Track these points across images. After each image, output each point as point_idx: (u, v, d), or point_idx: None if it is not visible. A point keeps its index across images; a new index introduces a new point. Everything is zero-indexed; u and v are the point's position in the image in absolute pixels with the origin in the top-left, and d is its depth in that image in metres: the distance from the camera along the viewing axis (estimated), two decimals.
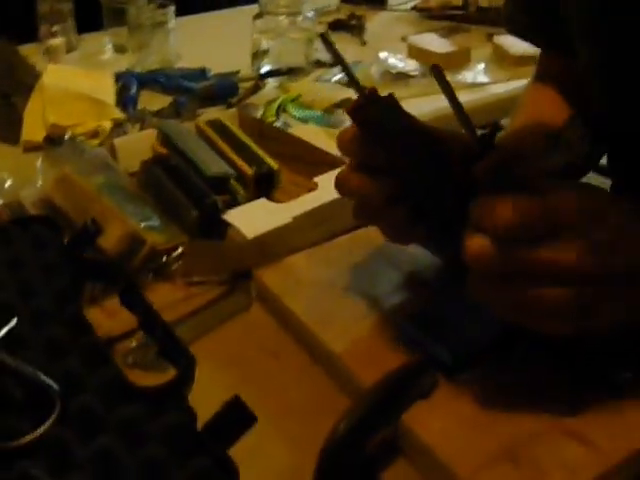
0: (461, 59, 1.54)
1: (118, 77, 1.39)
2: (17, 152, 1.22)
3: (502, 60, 1.57)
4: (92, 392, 0.61)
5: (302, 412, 0.69)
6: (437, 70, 0.62)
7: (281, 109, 1.33)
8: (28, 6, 1.61)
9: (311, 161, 1.02)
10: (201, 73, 1.46)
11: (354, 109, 0.69)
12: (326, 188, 0.90)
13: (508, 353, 0.69)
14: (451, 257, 0.73)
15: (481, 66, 1.54)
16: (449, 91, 0.62)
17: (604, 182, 0.95)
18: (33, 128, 1.25)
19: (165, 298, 0.80)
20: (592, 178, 0.97)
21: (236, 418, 0.55)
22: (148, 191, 0.93)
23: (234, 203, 0.91)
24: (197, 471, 0.53)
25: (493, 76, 1.50)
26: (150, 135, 1.03)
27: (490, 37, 1.67)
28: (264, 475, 0.62)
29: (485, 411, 0.64)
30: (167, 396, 0.60)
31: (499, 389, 0.66)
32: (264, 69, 1.48)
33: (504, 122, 1.20)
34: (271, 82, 1.45)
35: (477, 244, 0.57)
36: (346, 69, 0.69)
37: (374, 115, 0.67)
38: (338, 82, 1.46)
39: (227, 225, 0.85)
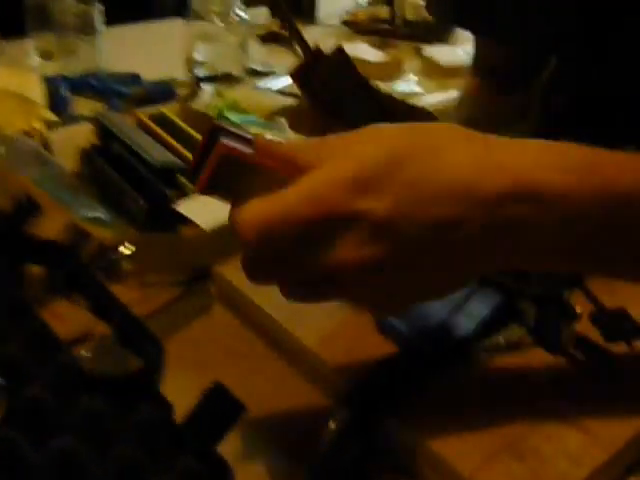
0: (394, 69, 1.48)
1: (47, 80, 1.26)
2: None
3: (432, 72, 1.52)
4: (43, 384, 0.49)
5: (279, 414, 0.60)
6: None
7: (220, 114, 1.23)
8: None
9: None
10: (134, 78, 1.35)
11: (299, 69, 0.58)
12: None
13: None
14: None
15: (413, 77, 1.48)
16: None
17: None
18: None
19: None
20: None
21: (220, 408, 0.45)
22: (91, 183, 0.82)
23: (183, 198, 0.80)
24: (182, 473, 0.42)
25: (425, 87, 1.44)
26: (86, 128, 0.92)
27: (418, 51, 1.62)
28: None
29: (479, 404, 0.57)
30: (135, 387, 0.49)
31: (490, 381, 0.59)
32: (199, 74, 1.39)
33: None
34: (207, 89, 1.35)
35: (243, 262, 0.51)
36: (292, 26, 0.59)
37: (322, 74, 0.58)
38: (275, 91, 1.39)
39: (179, 217, 0.75)
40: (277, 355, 0.65)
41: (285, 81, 1.43)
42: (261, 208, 0.48)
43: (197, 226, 0.73)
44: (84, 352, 0.59)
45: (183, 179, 0.86)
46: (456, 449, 0.52)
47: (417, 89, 1.43)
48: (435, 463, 0.52)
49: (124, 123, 0.89)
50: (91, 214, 0.77)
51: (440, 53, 1.56)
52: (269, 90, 1.39)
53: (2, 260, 0.65)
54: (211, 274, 0.72)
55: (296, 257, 0.49)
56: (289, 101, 1.32)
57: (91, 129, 0.91)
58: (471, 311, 0.62)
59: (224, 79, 1.35)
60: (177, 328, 0.69)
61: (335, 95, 0.59)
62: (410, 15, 1.72)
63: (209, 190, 0.50)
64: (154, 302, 0.71)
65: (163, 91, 1.28)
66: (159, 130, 0.90)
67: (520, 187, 0.48)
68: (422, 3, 1.73)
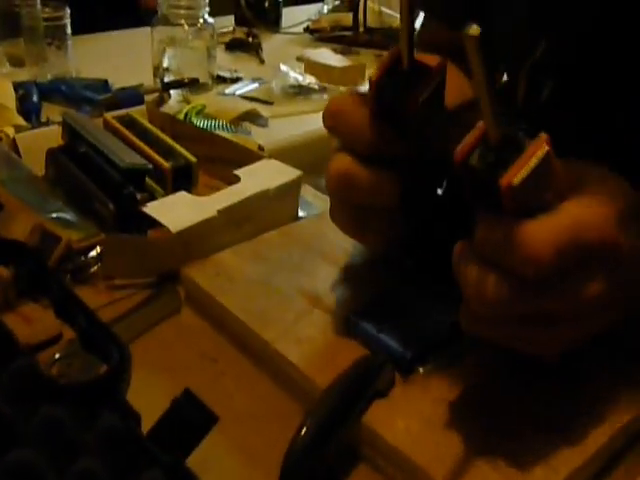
0: (357, 74, 1.46)
1: (18, 86, 1.21)
2: None
3: None
4: None
5: (249, 418, 0.56)
6: None
7: (187, 119, 1.19)
8: None
9: (228, 159, 0.89)
10: (104, 85, 1.30)
11: (382, 75, 0.46)
12: (249, 180, 0.78)
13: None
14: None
15: None
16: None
17: None
18: None
19: (87, 303, 0.65)
20: None
21: (190, 418, 0.40)
22: (58, 185, 0.77)
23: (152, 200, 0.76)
24: None
25: None
26: (55, 131, 0.87)
27: (379, 57, 1.59)
28: None
29: (449, 408, 0.53)
30: (99, 395, 0.44)
31: (460, 383, 0.55)
32: (167, 80, 1.34)
33: None
34: (175, 95, 1.31)
35: (491, 285, 0.41)
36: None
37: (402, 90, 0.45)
38: (240, 96, 1.36)
39: (147, 219, 0.71)
40: (246, 358, 0.62)
41: (250, 87, 1.40)
42: (554, 230, 0.40)
43: (165, 228, 0.69)
44: (55, 370, 0.55)
45: (151, 181, 0.82)
46: (430, 455, 0.49)
47: None
48: (409, 469, 0.49)
49: (91, 124, 0.85)
50: (58, 216, 0.72)
51: None
52: (235, 96, 1.36)
53: None
54: (179, 276, 0.68)
55: (558, 287, 0.42)
56: (254, 105, 1.29)
57: (58, 131, 0.87)
58: (442, 313, 0.59)
59: (191, 85, 1.31)
60: (146, 331, 0.65)
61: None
62: (372, 22, 1.69)
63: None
64: (122, 305, 0.67)
65: (132, 97, 1.24)
66: (126, 132, 0.85)
67: None
68: (383, 11, 1.70)
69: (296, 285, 0.66)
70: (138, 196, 0.73)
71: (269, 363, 0.59)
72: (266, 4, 1.80)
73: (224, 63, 1.52)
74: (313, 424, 0.48)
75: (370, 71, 0.47)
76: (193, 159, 0.83)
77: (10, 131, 1.02)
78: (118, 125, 0.87)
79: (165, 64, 1.38)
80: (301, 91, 1.36)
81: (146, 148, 0.82)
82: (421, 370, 0.56)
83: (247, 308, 0.63)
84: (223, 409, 0.57)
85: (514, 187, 0.38)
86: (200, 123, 1.19)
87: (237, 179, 0.78)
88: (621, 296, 0.46)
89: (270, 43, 1.71)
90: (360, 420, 0.51)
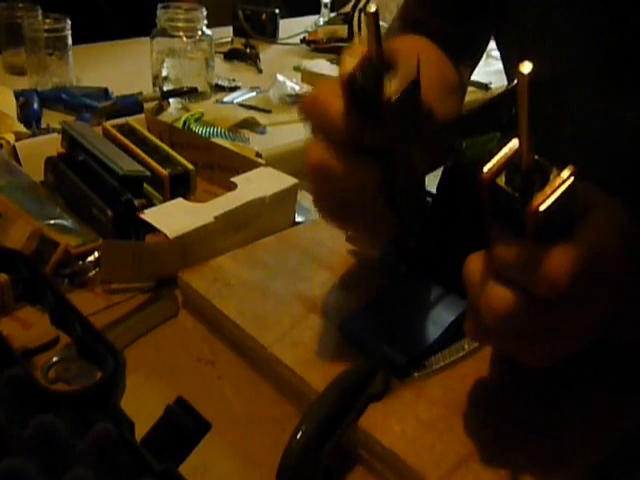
0: None
1: (19, 95, 1.20)
2: None
3: None
4: None
5: (246, 422, 0.55)
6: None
7: (186, 127, 1.18)
8: None
9: (225, 166, 0.88)
10: (104, 93, 1.29)
11: (360, 69, 0.45)
12: (246, 187, 0.77)
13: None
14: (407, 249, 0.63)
15: None
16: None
17: None
18: None
19: (84, 307, 0.63)
20: None
21: (183, 426, 0.39)
22: (57, 192, 0.76)
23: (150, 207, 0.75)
24: None
25: None
26: (54, 139, 0.86)
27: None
28: None
29: (443, 411, 0.52)
30: (93, 402, 0.42)
31: (455, 387, 0.54)
32: (166, 88, 1.33)
33: None
34: (174, 103, 1.30)
35: (505, 301, 0.41)
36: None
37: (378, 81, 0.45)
38: (238, 105, 1.35)
39: (144, 226, 0.70)
40: (243, 362, 0.61)
41: (248, 95, 1.39)
42: (572, 257, 0.40)
43: (163, 234, 0.68)
44: (52, 373, 0.54)
45: (149, 188, 0.81)
46: (425, 458, 0.48)
47: None
48: (404, 472, 0.48)
49: (90, 132, 0.84)
50: (56, 222, 0.71)
51: None
52: (233, 104, 1.35)
53: None
54: (177, 281, 0.67)
55: (569, 307, 0.42)
56: (251, 112, 1.28)
57: (58, 139, 0.86)
58: (436, 318, 0.58)
59: (190, 94, 1.30)
60: (143, 334, 0.64)
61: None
62: None
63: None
64: (120, 309, 0.66)
65: (131, 105, 1.23)
66: (125, 140, 0.84)
67: None
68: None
69: (292, 290, 0.65)
70: (136, 202, 0.72)
71: (266, 367, 0.58)
72: (263, 16, 1.80)
73: (223, 72, 1.51)
74: (309, 427, 0.47)
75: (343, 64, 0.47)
76: (190, 166, 0.82)
77: (10, 138, 1.01)
78: (117, 133, 0.86)
79: (164, 73, 1.37)
80: (298, 100, 1.35)
81: (144, 156, 0.81)
82: (416, 374, 0.55)
83: (244, 312, 0.62)
84: (220, 412, 0.56)
85: (540, 213, 0.39)
86: (199, 130, 1.18)
87: (234, 186, 0.77)
88: (624, 313, 0.47)
89: (268, 53, 1.70)
90: (356, 423, 0.50)
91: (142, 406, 0.47)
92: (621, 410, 0.53)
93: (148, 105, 1.26)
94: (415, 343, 0.57)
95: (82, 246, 0.69)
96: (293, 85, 1.40)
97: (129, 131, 0.88)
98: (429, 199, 0.61)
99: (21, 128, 1.09)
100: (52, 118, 1.19)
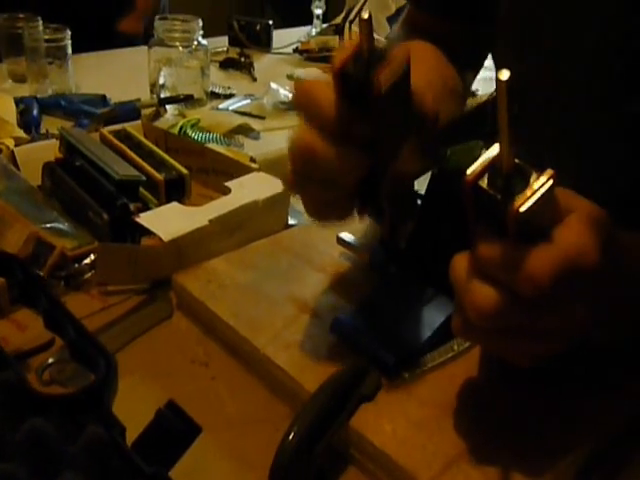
0: None
1: (19, 101, 1.18)
2: None
3: None
4: None
5: (240, 423, 0.54)
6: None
7: (182, 132, 1.17)
8: None
9: (220, 170, 0.86)
10: (102, 99, 1.28)
11: (352, 60, 0.45)
12: (239, 192, 0.76)
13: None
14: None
15: None
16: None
17: None
18: None
19: (80, 309, 0.62)
20: None
21: (174, 429, 0.37)
22: (54, 196, 0.75)
23: (145, 211, 0.73)
24: None
25: None
26: (52, 145, 0.85)
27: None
28: None
29: (433, 411, 0.51)
30: (85, 406, 0.40)
31: (445, 388, 0.53)
32: (163, 95, 1.32)
33: None
34: (171, 110, 1.29)
35: (489, 298, 0.41)
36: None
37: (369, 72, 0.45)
38: (233, 111, 1.33)
39: (140, 229, 0.68)
40: (236, 363, 0.59)
41: (242, 102, 1.38)
42: (552, 257, 0.40)
43: (158, 237, 0.67)
44: (47, 375, 0.52)
45: (145, 192, 0.79)
46: (416, 458, 0.46)
47: None
48: (396, 472, 0.47)
49: (88, 138, 0.82)
50: (53, 225, 0.70)
51: None
52: (228, 111, 1.34)
53: None
54: (171, 283, 0.66)
55: (551, 306, 0.42)
56: (246, 119, 1.27)
57: (56, 145, 0.84)
58: (425, 319, 0.57)
59: (186, 101, 1.29)
60: (138, 336, 0.62)
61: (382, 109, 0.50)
62: None
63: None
64: (116, 310, 0.65)
65: (129, 111, 1.21)
66: (122, 145, 0.83)
67: None
68: None
69: (285, 292, 0.63)
70: (131, 206, 0.70)
71: (259, 368, 0.57)
72: (258, 27, 1.78)
73: (218, 80, 1.49)
74: (301, 428, 0.45)
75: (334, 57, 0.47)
76: (185, 171, 0.81)
77: (10, 143, 0.99)
78: (114, 139, 0.85)
79: (161, 81, 1.35)
80: (291, 107, 1.34)
81: (140, 161, 0.80)
82: (406, 375, 0.54)
83: (237, 314, 0.60)
84: (214, 413, 0.55)
85: (520, 214, 0.39)
86: (195, 136, 1.16)
87: (228, 190, 0.76)
88: (605, 316, 0.46)
89: (262, 62, 1.68)
90: (347, 424, 0.49)
91: (136, 407, 0.46)
92: (610, 410, 0.52)
93: (145, 111, 1.25)
94: (405, 344, 0.55)
95: (78, 249, 0.68)
96: (286, 93, 1.38)
97: (125, 137, 0.87)
98: (419, 201, 0.60)
99: (21, 134, 1.08)
100: (51, 124, 1.17)
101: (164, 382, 0.57)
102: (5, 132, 1.05)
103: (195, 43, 1.33)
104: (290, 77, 1.53)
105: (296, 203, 0.80)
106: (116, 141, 0.84)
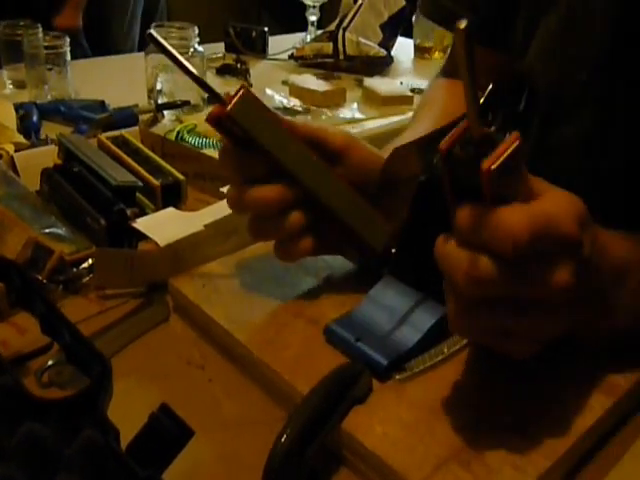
0: (338, 97, 1.43)
1: (19, 107, 1.18)
2: None
3: (371, 100, 1.47)
4: None
5: (236, 425, 0.54)
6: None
7: (179, 137, 1.17)
8: None
9: (216, 176, 0.86)
10: (101, 105, 1.27)
11: (211, 118, 0.54)
12: None
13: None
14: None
15: (355, 105, 1.43)
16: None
17: None
18: None
19: (78, 313, 0.62)
20: None
21: (167, 432, 0.37)
22: (52, 202, 0.75)
23: (142, 216, 0.73)
24: None
25: (365, 114, 1.40)
26: (51, 150, 0.85)
27: (358, 82, 1.58)
28: None
29: (424, 413, 0.51)
30: (80, 410, 0.40)
31: (435, 389, 0.53)
32: (160, 101, 1.32)
33: None
34: (168, 115, 1.29)
35: (475, 263, 0.41)
36: (183, 66, 0.54)
37: (239, 120, 0.53)
38: None
39: (137, 234, 0.68)
40: (232, 366, 0.59)
41: None
42: (528, 214, 0.41)
43: (154, 242, 0.67)
44: (45, 378, 0.52)
45: (142, 197, 0.79)
46: (407, 459, 0.46)
47: (359, 115, 1.38)
48: (387, 473, 0.47)
49: (86, 145, 0.82)
50: (51, 230, 0.69)
51: (379, 84, 1.51)
52: None
53: None
54: (168, 286, 0.66)
55: (534, 270, 0.42)
56: None
57: (55, 150, 0.84)
58: (416, 322, 0.57)
59: (183, 106, 1.28)
60: (135, 339, 0.62)
61: (260, 148, 0.55)
62: (350, 51, 1.68)
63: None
64: (113, 314, 0.65)
65: (127, 117, 1.21)
66: (119, 151, 0.83)
67: None
68: (361, 40, 1.68)
69: (279, 296, 0.63)
70: (128, 212, 0.70)
71: (254, 370, 0.57)
72: (253, 33, 1.78)
73: (215, 86, 1.49)
74: (293, 430, 0.45)
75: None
76: (181, 177, 0.80)
77: (10, 148, 0.99)
78: (111, 145, 0.85)
79: (158, 87, 1.35)
80: (286, 113, 1.34)
81: (137, 167, 0.80)
82: (397, 377, 0.54)
83: (232, 318, 0.60)
84: (210, 415, 0.54)
85: (493, 171, 0.39)
86: (192, 141, 1.16)
87: (223, 195, 0.76)
88: (584, 297, 0.46)
89: (257, 68, 1.68)
90: (340, 425, 0.49)
91: (133, 409, 0.46)
92: (596, 410, 0.52)
93: (143, 117, 1.24)
94: (396, 347, 0.55)
95: (76, 253, 0.68)
96: (281, 98, 1.39)
97: (123, 143, 0.86)
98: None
99: (20, 139, 1.07)
100: (51, 129, 1.17)
101: (160, 384, 0.57)
102: (5, 138, 1.04)
103: (191, 50, 1.33)
104: (285, 83, 1.53)
105: None
106: (113, 147, 0.84)
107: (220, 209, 0.73)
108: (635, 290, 0.52)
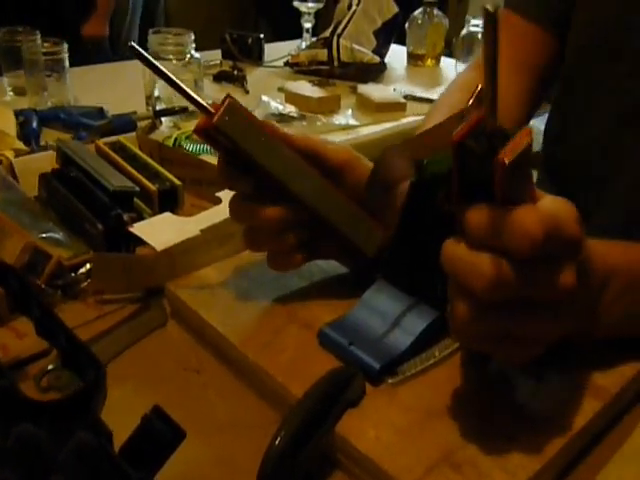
0: (332, 104, 1.43)
1: (19, 113, 1.18)
2: None
3: (365, 107, 1.47)
4: None
5: (231, 428, 0.53)
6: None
7: (176, 144, 1.16)
8: None
9: (212, 182, 0.86)
10: (100, 112, 1.27)
11: (198, 129, 0.54)
12: None
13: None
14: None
15: (349, 111, 1.43)
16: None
17: None
18: None
19: (76, 318, 0.62)
20: None
21: (159, 434, 0.37)
22: (50, 207, 0.74)
23: (140, 220, 0.73)
24: None
25: (359, 120, 1.40)
26: (50, 156, 0.84)
27: (352, 89, 1.58)
28: None
29: (416, 416, 0.50)
30: (73, 412, 0.40)
31: (426, 393, 0.53)
32: (158, 108, 1.31)
33: None
34: (166, 122, 1.28)
35: (491, 265, 0.41)
36: (184, 90, 0.53)
37: (226, 130, 0.52)
38: None
39: (134, 239, 0.68)
40: (227, 370, 0.59)
41: None
42: (540, 215, 0.40)
43: (151, 247, 0.66)
44: (44, 382, 0.52)
45: (140, 202, 0.79)
46: (399, 463, 0.46)
47: (353, 122, 1.38)
48: (380, 477, 0.46)
49: (84, 150, 0.82)
50: (49, 235, 0.69)
51: (373, 90, 1.51)
52: None
53: None
54: (164, 291, 0.65)
55: (542, 271, 0.42)
56: None
57: (53, 156, 0.84)
58: (408, 326, 0.56)
59: (181, 113, 1.28)
60: (133, 343, 0.62)
61: (249, 161, 0.54)
62: (345, 57, 1.67)
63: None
64: (111, 318, 0.64)
65: (125, 123, 1.21)
66: (117, 157, 0.82)
67: None
68: (355, 47, 1.68)
69: (274, 300, 0.63)
70: (125, 217, 0.70)
71: (249, 374, 0.57)
72: (250, 40, 1.78)
73: (211, 93, 1.49)
74: (287, 433, 0.45)
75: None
76: (178, 182, 0.80)
77: (10, 155, 0.98)
78: (109, 151, 0.84)
79: (156, 94, 1.35)
80: (282, 119, 1.34)
81: (135, 172, 0.79)
82: (390, 380, 0.53)
83: (227, 322, 0.60)
84: (205, 419, 0.54)
85: (507, 165, 0.39)
86: (189, 147, 1.16)
87: (219, 201, 0.76)
88: (579, 300, 0.46)
89: (254, 75, 1.68)
90: (333, 429, 0.49)
91: (129, 412, 0.45)
92: (586, 412, 0.52)
93: (141, 123, 1.24)
94: (389, 350, 0.55)
95: (74, 258, 0.68)
96: (277, 105, 1.39)
97: (120, 148, 0.86)
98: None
99: (20, 146, 1.07)
100: (50, 136, 1.16)
101: (156, 388, 0.57)
102: (5, 144, 1.04)
103: (188, 56, 1.33)
104: (281, 89, 1.53)
105: None
106: (111, 153, 0.84)
107: (216, 214, 0.73)
108: (618, 293, 0.53)
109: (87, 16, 2.33)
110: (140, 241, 0.68)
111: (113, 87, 1.52)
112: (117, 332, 0.63)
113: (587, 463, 0.51)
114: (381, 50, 1.79)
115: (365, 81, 1.64)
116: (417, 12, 1.97)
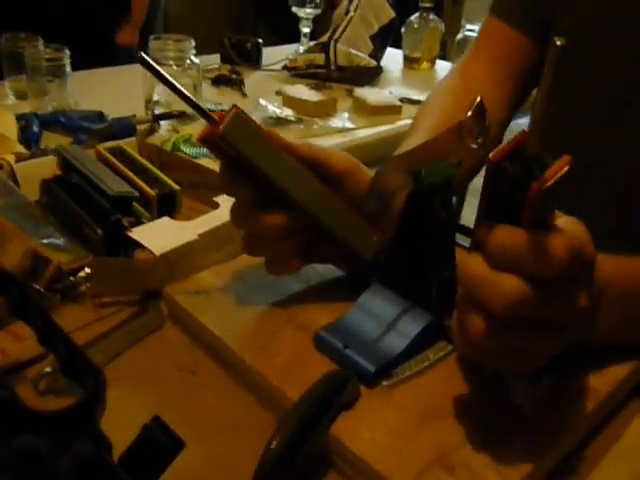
0: (329, 107, 1.43)
1: (20, 117, 1.17)
2: None
3: (361, 110, 1.47)
4: None
5: (228, 430, 0.53)
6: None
7: (175, 147, 1.16)
8: None
9: (210, 186, 0.86)
10: (99, 116, 1.27)
11: (203, 138, 0.53)
12: (228, 206, 0.75)
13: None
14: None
15: (345, 114, 1.43)
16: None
17: None
18: None
19: (75, 321, 0.62)
20: None
21: (159, 444, 0.37)
22: (51, 212, 0.74)
23: (138, 225, 0.73)
24: None
25: (356, 123, 1.40)
26: (51, 161, 0.84)
27: (349, 92, 1.58)
28: None
29: (410, 418, 0.51)
30: (74, 422, 0.40)
31: (420, 396, 0.53)
32: (157, 112, 1.31)
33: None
34: (164, 125, 1.28)
35: (514, 286, 0.41)
36: (174, 87, 0.53)
37: (231, 140, 0.52)
38: None
39: (133, 243, 0.68)
40: (224, 372, 0.59)
41: None
42: (565, 238, 0.42)
43: (149, 251, 0.66)
44: (42, 385, 0.51)
45: (138, 207, 0.79)
46: (393, 464, 0.46)
47: (349, 125, 1.38)
48: (374, 478, 0.46)
49: (84, 155, 0.82)
50: (49, 240, 0.69)
51: (369, 94, 1.51)
52: None
53: None
54: (162, 294, 0.65)
55: (563, 292, 0.43)
56: None
57: (54, 161, 0.84)
58: (403, 329, 0.56)
59: (179, 117, 1.28)
60: (131, 345, 0.62)
61: (252, 169, 0.54)
62: (342, 61, 1.67)
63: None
64: (109, 321, 0.64)
65: (125, 127, 1.20)
66: (116, 162, 0.82)
67: None
68: (352, 51, 1.68)
69: (270, 304, 0.63)
70: (125, 221, 0.70)
71: (246, 377, 0.57)
72: (248, 45, 1.78)
73: (210, 97, 1.49)
74: (284, 435, 0.45)
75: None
76: (176, 187, 0.80)
77: (11, 159, 0.98)
78: (109, 156, 0.84)
79: (155, 98, 1.34)
80: (279, 122, 1.34)
81: (134, 177, 0.79)
82: (384, 383, 0.53)
83: (224, 325, 0.60)
84: (202, 421, 0.54)
85: (542, 192, 0.39)
86: (187, 150, 1.16)
87: (217, 205, 0.75)
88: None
89: (252, 79, 1.68)
90: (328, 431, 0.49)
91: (127, 415, 0.45)
92: (578, 413, 0.52)
93: (141, 127, 1.24)
94: (384, 353, 0.55)
95: (73, 263, 0.67)
96: (274, 108, 1.38)
97: (120, 153, 0.86)
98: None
99: (21, 149, 1.07)
100: (51, 139, 1.16)
101: (154, 390, 0.57)
102: (6, 148, 1.03)
103: (188, 62, 1.32)
104: (278, 93, 1.53)
105: None
106: (111, 157, 0.83)
107: (214, 218, 0.73)
108: (611, 304, 0.53)
109: (120, 25, 2.36)
110: (139, 245, 0.68)
111: (113, 91, 1.52)
112: (115, 335, 0.62)
113: (580, 463, 0.51)
114: (377, 54, 1.78)
115: (361, 84, 1.64)
116: (414, 16, 1.97)
